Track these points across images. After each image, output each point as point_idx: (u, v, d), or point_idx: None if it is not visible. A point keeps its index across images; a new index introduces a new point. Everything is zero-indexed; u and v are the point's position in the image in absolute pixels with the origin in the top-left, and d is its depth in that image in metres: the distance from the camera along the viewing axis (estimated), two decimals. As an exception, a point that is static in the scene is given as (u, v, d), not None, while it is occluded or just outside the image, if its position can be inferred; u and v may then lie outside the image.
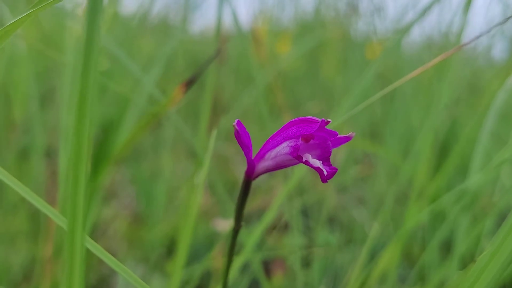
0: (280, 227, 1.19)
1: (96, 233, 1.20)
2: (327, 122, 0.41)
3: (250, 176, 0.47)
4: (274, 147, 0.44)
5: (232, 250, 0.52)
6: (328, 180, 0.41)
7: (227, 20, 1.45)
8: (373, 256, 0.96)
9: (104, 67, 0.96)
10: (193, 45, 2.09)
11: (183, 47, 1.93)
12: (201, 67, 0.70)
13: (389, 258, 0.86)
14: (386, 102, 1.47)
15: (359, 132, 1.46)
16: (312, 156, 0.42)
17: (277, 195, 0.75)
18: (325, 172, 0.41)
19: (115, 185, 1.45)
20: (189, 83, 0.70)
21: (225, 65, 1.99)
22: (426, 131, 0.87)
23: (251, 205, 1.27)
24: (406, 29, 0.93)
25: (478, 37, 0.59)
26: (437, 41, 1.59)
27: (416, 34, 1.71)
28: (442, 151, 1.09)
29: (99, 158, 0.89)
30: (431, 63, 0.56)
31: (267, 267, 1.14)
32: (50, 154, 1.21)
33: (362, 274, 0.83)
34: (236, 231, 0.51)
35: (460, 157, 0.94)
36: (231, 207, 0.93)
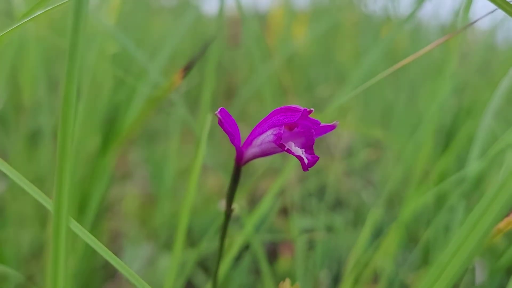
0: (289, 209, 1.20)
1: (108, 212, 1.23)
2: (310, 111, 0.42)
3: (239, 162, 0.48)
4: (260, 134, 0.45)
5: (224, 232, 0.53)
6: (309, 168, 0.43)
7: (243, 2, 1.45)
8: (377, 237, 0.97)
9: (114, 50, 0.97)
10: (207, 28, 2.09)
11: (197, 30, 1.95)
12: (202, 49, 0.70)
13: (391, 239, 0.88)
14: (397, 87, 1.47)
15: (369, 116, 1.45)
16: (296, 144, 0.44)
17: (283, 179, 0.76)
18: (306, 161, 0.42)
19: (129, 165, 1.48)
20: (188, 67, 0.70)
21: (239, 49, 2.00)
22: (430, 114, 0.87)
23: (260, 186, 1.28)
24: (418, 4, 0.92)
25: (482, 17, 0.59)
26: (450, 25, 1.57)
27: (430, 18, 1.69)
28: (449, 136, 1.09)
29: (109, 137, 0.92)
30: (440, 41, 0.57)
31: (275, 248, 1.16)
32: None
33: (366, 255, 0.84)
34: (227, 215, 0.53)
35: (467, 140, 0.94)
36: (241, 189, 0.95)
